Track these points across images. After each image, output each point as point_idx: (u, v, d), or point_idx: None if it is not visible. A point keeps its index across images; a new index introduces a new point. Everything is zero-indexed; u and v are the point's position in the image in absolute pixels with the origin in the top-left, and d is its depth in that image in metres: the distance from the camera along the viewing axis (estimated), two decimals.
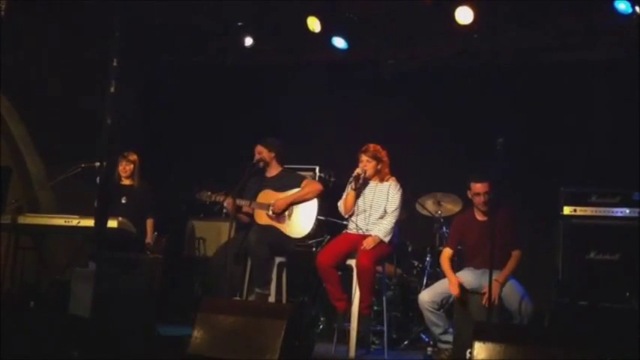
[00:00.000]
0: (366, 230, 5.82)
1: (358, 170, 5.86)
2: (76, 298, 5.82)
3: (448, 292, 5.52)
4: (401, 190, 5.86)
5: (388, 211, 5.80)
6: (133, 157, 6.70)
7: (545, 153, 7.31)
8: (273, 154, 6.30)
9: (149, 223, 6.64)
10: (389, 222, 5.76)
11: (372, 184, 5.92)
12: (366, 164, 5.86)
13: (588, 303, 5.59)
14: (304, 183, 6.24)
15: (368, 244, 5.67)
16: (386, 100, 7.88)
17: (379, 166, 5.88)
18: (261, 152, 6.29)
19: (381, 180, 5.90)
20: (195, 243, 7.73)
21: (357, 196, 5.91)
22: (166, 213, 6.92)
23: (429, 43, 7.65)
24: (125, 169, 6.66)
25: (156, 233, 6.65)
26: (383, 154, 5.91)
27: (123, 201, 6.55)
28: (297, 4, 7.24)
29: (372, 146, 5.90)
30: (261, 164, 6.26)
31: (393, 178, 5.91)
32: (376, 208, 5.85)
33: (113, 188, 6.55)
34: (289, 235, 6.10)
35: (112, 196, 6.48)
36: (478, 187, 5.63)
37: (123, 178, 6.69)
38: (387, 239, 5.73)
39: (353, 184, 5.87)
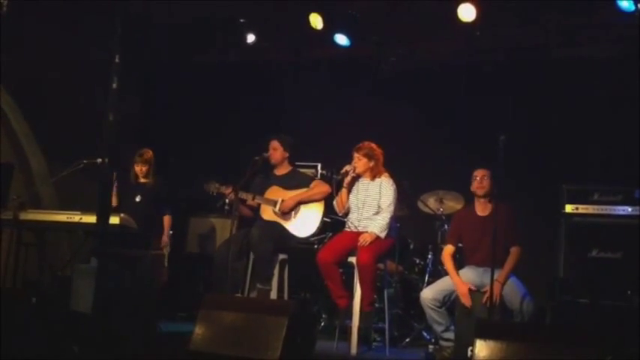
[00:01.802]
0: (361, 227, 5.83)
1: (347, 167, 5.92)
2: (77, 295, 5.82)
3: (450, 289, 5.52)
4: (394, 186, 5.86)
5: (382, 206, 5.81)
6: (149, 154, 6.63)
7: (547, 151, 7.30)
8: (287, 154, 6.31)
9: (166, 220, 6.62)
10: (383, 218, 5.77)
11: (365, 181, 5.94)
12: (356, 162, 5.90)
13: (590, 301, 5.59)
14: (314, 183, 6.28)
15: (364, 240, 5.67)
16: (388, 97, 7.87)
17: (371, 164, 5.90)
18: (277, 149, 6.28)
19: (374, 177, 5.91)
20: (198, 239, 7.73)
21: (349, 193, 5.95)
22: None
23: (431, 41, 7.65)
24: (142, 169, 6.60)
25: (171, 232, 6.63)
26: (377, 152, 5.92)
27: (137, 199, 6.52)
28: (299, 0, 7.23)
29: (365, 144, 5.92)
30: (270, 160, 6.23)
31: (386, 174, 5.93)
32: (369, 205, 5.86)
33: (127, 187, 6.55)
34: (293, 233, 6.11)
35: (126, 195, 6.49)
36: (476, 172, 5.69)
37: (140, 177, 6.66)
38: (382, 235, 5.73)
39: (342, 180, 5.93)
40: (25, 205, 5.82)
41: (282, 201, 6.14)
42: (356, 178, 5.96)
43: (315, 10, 7.32)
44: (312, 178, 6.38)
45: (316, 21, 7.36)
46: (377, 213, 5.82)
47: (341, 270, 5.85)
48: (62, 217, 5.70)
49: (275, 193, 6.21)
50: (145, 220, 6.05)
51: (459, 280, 5.49)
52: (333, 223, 6.69)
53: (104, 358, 4.54)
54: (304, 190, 6.19)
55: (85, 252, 6.08)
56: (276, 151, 6.26)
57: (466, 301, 5.39)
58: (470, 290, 5.42)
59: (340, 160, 6.15)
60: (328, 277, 5.79)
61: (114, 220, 5.58)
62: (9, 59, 6.39)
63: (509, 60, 7.49)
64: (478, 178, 5.67)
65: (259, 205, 6.21)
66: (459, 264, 5.76)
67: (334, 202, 6.05)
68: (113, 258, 5.63)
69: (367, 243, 5.66)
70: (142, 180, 6.65)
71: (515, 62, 7.48)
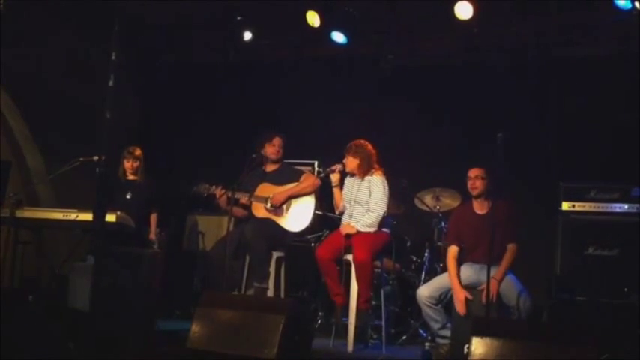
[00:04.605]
0: (352, 224, 5.89)
1: (333, 166, 6.03)
2: (74, 292, 5.83)
3: (447, 287, 5.53)
4: (384, 184, 5.90)
5: (371, 204, 5.85)
6: (138, 152, 6.64)
7: (545, 149, 7.30)
8: (282, 154, 6.34)
9: (153, 218, 6.62)
10: (369, 216, 5.83)
11: (358, 179, 6.00)
12: (345, 161, 6.00)
13: (587, 298, 5.60)
14: (303, 177, 6.29)
15: (344, 229, 5.81)
16: (385, 95, 7.87)
17: (359, 161, 5.96)
18: (280, 147, 6.33)
19: (364, 175, 5.96)
20: (195, 237, 7.73)
21: (340, 191, 6.08)
22: (166, 207, 6.91)
23: (429, 39, 7.65)
24: (132, 165, 6.60)
25: (159, 230, 6.65)
26: (367, 149, 5.98)
27: (127, 196, 6.51)
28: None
29: (354, 143, 6.01)
30: (268, 157, 6.27)
31: (379, 172, 5.97)
32: (359, 203, 5.92)
33: (117, 184, 6.55)
34: (287, 229, 6.12)
35: (116, 192, 6.48)
36: (470, 171, 5.70)
37: (128, 174, 6.66)
38: (367, 230, 5.80)
39: (327, 177, 6.10)
40: (22, 202, 5.81)
41: (273, 197, 6.16)
42: (344, 176, 6.06)
43: (312, 8, 7.31)
44: (301, 172, 6.39)
45: (313, 19, 7.35)
46: (368, 211, 5.87)
47: (338, 268, 5.87)
48: (59, 215, 5.70)
49: (265, 190, 6.23)
50: (137, 218, 6.05)
51: (458, 286, 5.47)
52: (330, 219, 6.70)
53: (101, 356, 4.54)
54: (294, 184, 6.21)
55: (82, 250, 6.08)
56: (280, 148, 6.30)
57: (460, 308, 5.38)
58: (466, 299, 5.41)
59: (338, 157, 6.17)
60: (327, 274, 5.82)
61: (110, 218, 5.59)
62: (7, 56, 6.38)
63: (507, 58, 7.48)
64: (472, 179, 5.67)
65: (251, 203, 6.22)
66: (458, 262, 5.75)
67: (334, 203, 6.11)
68: (110, 256, 5.64)
69: (345, 232, 5.78)
70: (131, 177, 6.64)
71: (513, 60, 7.47)
